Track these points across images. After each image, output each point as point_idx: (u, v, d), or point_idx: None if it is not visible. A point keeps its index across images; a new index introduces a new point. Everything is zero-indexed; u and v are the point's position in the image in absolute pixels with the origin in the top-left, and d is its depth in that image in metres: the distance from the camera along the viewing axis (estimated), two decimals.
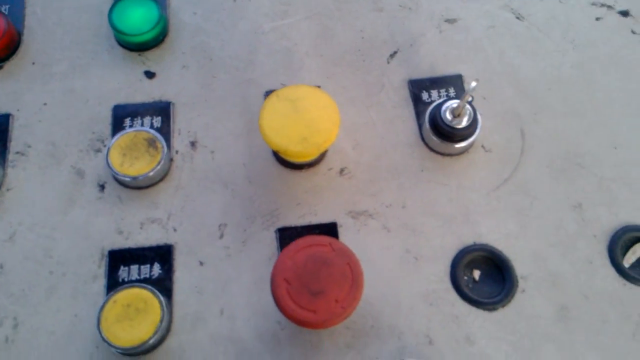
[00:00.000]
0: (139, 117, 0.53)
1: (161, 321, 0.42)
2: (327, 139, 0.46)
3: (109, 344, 0.41)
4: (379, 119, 0.55)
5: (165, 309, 0.43)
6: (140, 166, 0.48)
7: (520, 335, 0.46)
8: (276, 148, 0.46)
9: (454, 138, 0.51)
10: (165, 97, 0.54)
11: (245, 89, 0.55)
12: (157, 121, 0.53)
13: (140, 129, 0.50)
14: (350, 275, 0.41)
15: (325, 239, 0.42)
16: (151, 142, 0.49)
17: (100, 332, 0.42)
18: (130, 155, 0.49)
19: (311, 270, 0.41)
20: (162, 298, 0.43)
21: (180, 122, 0.53)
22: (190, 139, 0.52)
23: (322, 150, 0.46)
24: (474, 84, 0.47)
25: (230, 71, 0.56)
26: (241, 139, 0.53)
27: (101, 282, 0.46)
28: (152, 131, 0.50)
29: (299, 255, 0.41)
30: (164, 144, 0.49)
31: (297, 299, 0.40)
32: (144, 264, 0.46)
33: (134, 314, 0.42)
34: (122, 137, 0.49)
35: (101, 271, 0.46)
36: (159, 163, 0.48)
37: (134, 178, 0.48)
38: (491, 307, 0.47)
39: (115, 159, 0.48)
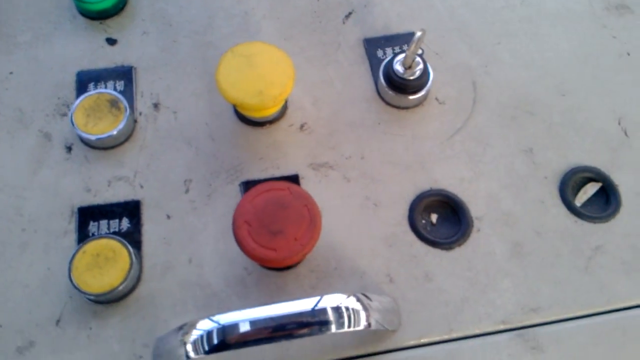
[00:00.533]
0: (103, 82, 0.54)
1: (130, 268, 0.44)
2: (282, 91, 0.48)
3: (80, 291, 0.43)
4: (336, 76, 0.57)
5: (134, 257, 0.45)
6: (103, 126, 0.50)
7: (476, 272, 0.48)
8: (233, 101, 0.48)
9: (407, 90, 0.54)
10: (127, 62, 0.56)
11: (204, 52, 0.57)
12: (120, 85, 0.54)
13: (103, 91, 0.51)
14: (307, 215, 0.43)
15: (284, 184, 0.45)
16: (113, 103, 0.51)
17: (71, 281, 0.43)
18: (94, 115, 0.50)
19: (270, 212, 0.43)
20: (130, 247, 0.45)
21: (142, 85, 0.55)
22: (153, 100, 0.54)
23: (277, 102, 0.48)
24: (419, 33, 0.50)
25: (189, 35, 0.58)
26: (202, 99, 0.54)
27: (72, 237, 0.47)
28: (114, 92, 0.51)
29: (258, 199, 0.43)
30: (127, 104, 0.51)
31: (257, 239, 0.42)
32: (112, 219, 0.48)
33: (104, 262, 0.44)
34: (86, 99, 0.51)
35: (71, 227, 0.48)
36: (122, 122, 0.50)
37: (98, 138, 0.49)
38: (448, 247, 0.49)
39: (80, 120, 0.50)
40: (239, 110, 0.51)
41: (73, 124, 0.50)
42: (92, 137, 0.49)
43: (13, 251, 0.47)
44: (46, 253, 0.47)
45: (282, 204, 0.43)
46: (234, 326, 0.38)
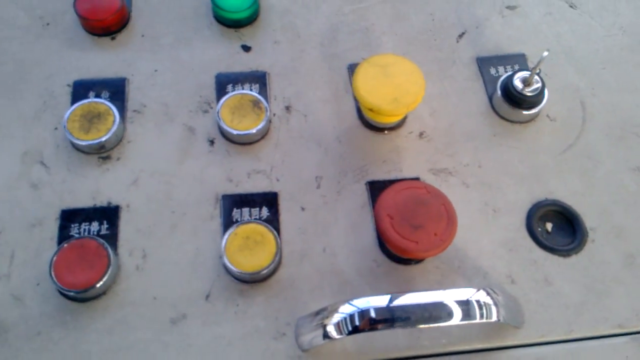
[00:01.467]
0: (240, 84, 0.59)
1: (277, 251, 0.48)
2: (415, 99, 0.52)
3: (233, 270, 0.47)
4: (452, 90, 0.61)
5: (279, 241, 0.48)
6: (247, 123, 0.54)
7: (593, 278, 0.51)
8: (370, 106, 0.52)
9: (523, 105, 0.57)
10: (261, 68, 0.60)
11: (330, 62, 0.61)
12: (255, 88, 0.59)
13: (246, 92, 0.56)
14: (445, 213, 0.47)
15: (421, 183, 0.48)
16: (255, 103, 0.55)
17: (225, 259, 0.47)
18: (238, 113, 0.55)
19: (411, 208, 0.47)
20: (275, 233, 0.49)
21: (275, 89, 0.59)
22: (285, 104, 0.58)
23: (410, 109, 0.52)
24: (545, 53, 0.53)
25: (316, 47, 0.62)
26: (329, 105, 0.59)
27: (217, 221, 0.51)
28: (256, 94, 0.56)
29: (398, 196, 0.47)
30: (267, 105, 0.56)
31: (400, 230, 0.45)
32: (253, 207, 0.52)
33: (253, 244, 0.48)
34: (231, 98, 0.55)
35: (216, 212, 0.52)
36: (263, 121, 0.55)
37: (242, 133, 0.54)
38: (565, 254, 0.52)
39: (226, 116, 0.54)
40: (371, 115, 0.55)
41: (220, 120, 0.54)
42: (236, 133, 0.54)
43: (164, 231, 0.51)
44: (194, 235, 0.51)
45: (421, 201, 0.47)
46: (374, 310, 0.41)
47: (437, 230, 0.46)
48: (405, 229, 0.46)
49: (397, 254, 0.49)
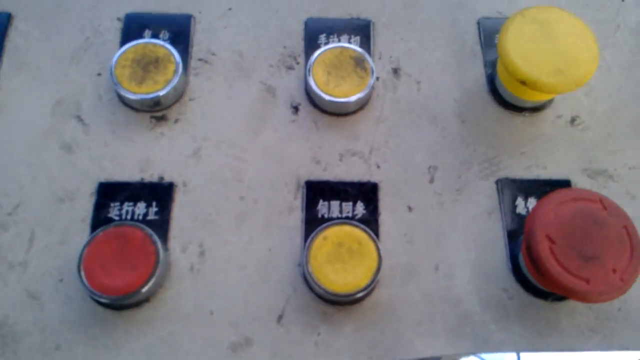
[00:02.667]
0: (335, 35, 0.45)
1: (379, 267, 0.35)
2: (586, 72, 0.38)
3: (319, 287, 0.34)
4: (614, 63, 0.45)
5: (381, 254, 0.35)
6: (347, 88, 0.41)
7: None
8: (523, 77, 0.37)
9: None
10: (364, 15, 0.46)
11: (454, 13, 0.47)
12: (356, 41, 0.45)
13: (346, 46, 0.42)
14: (628, 241, 0.33)
15: (594, 194, 0.34)
16: (359, 62, 0.42)
17: (309, 272, 0.35)
18: (336, 74, 0.41)
19: (581, 230, 0.33)
20: (377, 241, 0.36)
21: (380, 44, 0.45)
22: (393, 65, 0.45)
23: (579, 85, 0.38)
24: None
25: None
26: (450, 70, 0.44)
27: (298, 215, 0.39)
28: (359, 49, 0.42)
29: (562, 210, 0.33)
30: (373, 65, 0.42)
31: (565, 262, 0.32)
32: (345, 201, 0.39)
33: (347, 255, 0.35)
34: (326, 53, 0.42)
35: (297, 203, 0.39)
36: (367, 86, 0.41)
37: (340, 101, 0.40)
38: None
39: (320, 77, 0.41)
40: (518, 90, 0.40)
41: (312, 81, 0.41)
42: (332, 100, 0.40)
43: (230, 222, 0.39)
44: (267, 230, 0.38)
45: (595, 220, 0.33)
46: None
47: (618, 264, 0.32)
48: (572, 260, 0.32)
49: (546, 289, 0.36)
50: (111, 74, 0.41)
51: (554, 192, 0.34)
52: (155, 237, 0.35)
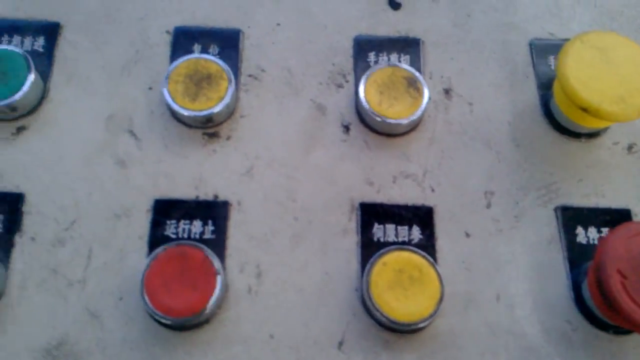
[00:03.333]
0: (385, 53, 0.45)
1: (441, 296, 0.35)
2: None
3: (381, 315, 0.34)
4: None
5: (443, 282, 0.35)
6: (400, 109, 0.41)
7: None
8: (585, 105, 0.37)
9: None
10: (413, 33, 0.46)
11: (505, 34, 0.46)
12: (405, 60, 0.45)
13: (398, 65, 0.42)
14: None
15: None
16: (411, 82, 0.42)
17: (370, 299, 0.35)
18: (389, 94, 0.41)
19: None
20: (438, 269, 0.36)
21: (430, 64, 0.45)
22: (444, 85, 0.44)
23: None
24: None
25: (486, 10, 0.47)
26: (503, 92, 0.44)
27: (352, 238, 0.39)
28: (411, 69, 0.42)
29: (633, 243, 0.33)
30: (425, 85, 0.42)
31: (638, 298, 0.32)
32: (401, 225, 0.39)
33: (408, 282, 0.35)
34: (378, 72, 0.42)
35: (352, 225, 0.39)
36: (420, 107, 0.41)
37: (393, 122, 0.40)
38: None
39: (372, 97, 0.41)
40: (576, 116, 0.40)
41: (364, 101, 0.41)
42: (385, 121, 0.40)
43: (285, 243, 0.38)
44: (323, 253, 0.38)
45: None
46: None
47: None
48: None
49: (615, 323, 0.36)
50: (165, 89, 0.40)
51: (621, 226, 0.34)
52: (216, 258, 0.35)
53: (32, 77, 0.40)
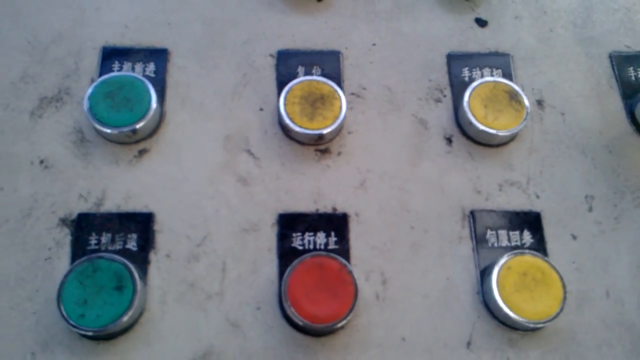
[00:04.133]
0: (477, 68, 0.47)
1: (564, 296, 0.37)
2: None
3: (511, 316, 0.36)
4: None
5: (565, 284, 0.37)
6: (506, 121, 0.43)
7: None
8: None
9: None
10: (501, 49, 0.48)
11: (586, 47, 0.49)
12: (498, 74, 0.47)
13: (499, 80, 0.45)
14: None
15: None
16: (513, 96, 0.44)
17: (498, 302, 0.37)
18: (493, 107, 0.44)
19: None
20: (558, 270, 0.38)
21: (521, 77, 0.47)
22: (536, 97, 0.47)
23: None
24: None
25: (567, 26, 0.50)
26: (591, 103, 0.47)
27: (468, 244, 0.41)
28: (512, 84, 0.44)
29: None
30: (525, 98, 0.44)
31: None
32: (512, 231, 0.41)
33: (532, 284, 0.37)
34: (481, 87, 0.44)
35: (465, 232, 0.41)
36: (523, 118, 0.43)
37: (502, 134, 0.43)
38: None
39: (478, 111, 0.43)
40: None
41: (469, 114, 0.43)
42: (491, 132, 0.43)
43: (404, 251, 0.40)
44: (441, 259, 0.40)
45: None
46: None
47: None
48: None
49: None
50: (283, 111, 0.42)
51: None
52: (350, 267, 0.37)
53: (155, 102, 0.42)
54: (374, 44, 0.48)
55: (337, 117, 0.43)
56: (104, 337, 0.36)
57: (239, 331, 0.37)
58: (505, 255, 0.38)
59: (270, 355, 0.37)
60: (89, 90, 0.42)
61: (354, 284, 0.37)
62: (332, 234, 0.41)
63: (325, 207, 0.42)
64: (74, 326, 0.35)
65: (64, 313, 0.35)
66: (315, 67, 0.47)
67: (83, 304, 0.35)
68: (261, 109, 0.45)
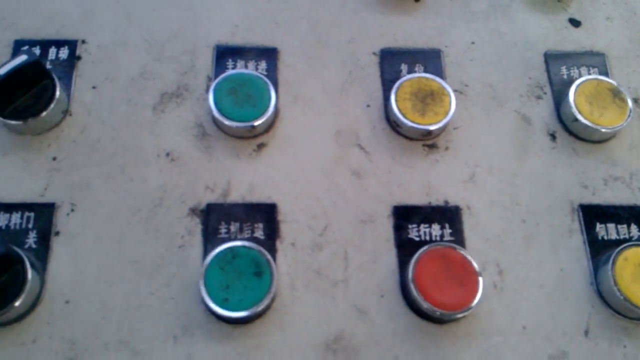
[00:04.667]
0: (575, 66, 0.49)
1: None
2: None
3: (630, 305, 0.38)
4: None
5: None
6: (611, 117, 0.44)
7: None
8: None
9: None
10: (596, 48, 0.50)
11: None
12: (594, 72, 0.48)
13: (600, 78, 0.46)
14: None
15: None
16: (616, 93, 0.45)
17: (616, 292, 0.38)
18: (597, 104, 0.45)
19: None
20: None
21: (617, 76, 0.49)
22: (632, 95, 0.48)
23: None
24: None
25: None
26: None
27: (578, 237, 0.42)
28: (613, 81, 0.46)
29: None
30: (629, 96, 0.45)
31: None
32: (620, 224, 0.43)
33: None
34: (585, 84, 0.45)
35: (575, 225, 0.43)
36: (628, 115, 0.44)
37: (608, 130, 0.44)
38: None
39: (583, 107, 0.45)
40: None
41: (576, 111, 0.44)
42: (597, 129, 0.44)
43: (517, 243, 0.42)
44: (554, 251, 0.42)
45: None
46: None
47: None
48: None
49: None
50: (395, 107, 0.44)
51: None
52: (471, 258, 0.39)
53: (274, 99, 0.44)
54: (472, 43, 0.50)
55: (447, 113, 0.44)
56: (243, 321, 0.38)
57: (366, 317, 0.39)
58: (621, 247, 0.40)
59: (399, 341, 0.38)
60: (212, 86, 0.44)
61: (478, 274, 0.38)
62: (447, 226, 0.42)
63: (437, 200, 0.43)
64: (217, 310, 0.37)
65: (208, 297, 0.37)
66: (417, 65, 0.48)
67: (225, 288, 0.37)
68: (368, 105, 0.47)
